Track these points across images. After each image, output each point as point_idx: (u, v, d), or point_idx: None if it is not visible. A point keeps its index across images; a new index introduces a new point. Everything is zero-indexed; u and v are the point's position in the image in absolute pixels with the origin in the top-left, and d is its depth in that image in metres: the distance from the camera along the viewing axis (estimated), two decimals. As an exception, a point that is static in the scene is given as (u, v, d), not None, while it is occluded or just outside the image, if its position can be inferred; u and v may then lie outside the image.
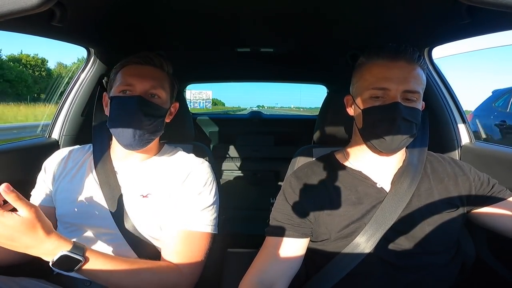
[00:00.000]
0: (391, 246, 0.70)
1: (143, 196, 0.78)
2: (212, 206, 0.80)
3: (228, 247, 0.92)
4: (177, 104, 0.90)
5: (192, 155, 0.88)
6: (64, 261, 0.59)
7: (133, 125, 0.75)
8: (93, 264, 0.62)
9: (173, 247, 0.74)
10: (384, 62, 0.71)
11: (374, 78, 0.71)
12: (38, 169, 0.88)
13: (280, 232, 0.74)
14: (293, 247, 0.74)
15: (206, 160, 0.89)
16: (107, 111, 0.82)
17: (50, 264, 0.59)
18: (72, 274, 0.66)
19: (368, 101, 0.72)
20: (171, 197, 0.79)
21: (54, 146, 1.15)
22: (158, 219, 0.78)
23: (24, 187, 0.90)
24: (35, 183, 0.87)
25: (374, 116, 0.71)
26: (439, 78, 1.15)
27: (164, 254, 0.75)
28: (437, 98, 1.12)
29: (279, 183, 2.17)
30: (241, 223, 1.78)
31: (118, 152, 0.84)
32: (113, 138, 0.83)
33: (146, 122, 0.76)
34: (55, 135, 1.17)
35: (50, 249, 0.58)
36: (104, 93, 0.86)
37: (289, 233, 0.73)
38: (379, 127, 0.71)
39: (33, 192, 0.86)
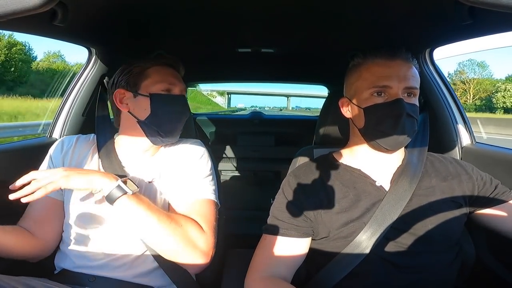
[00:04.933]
0: (393, 245, 0.70)
1: (149, 182, 0.83)
2: (211, 176, 0.87)
3: (229, 247, 0.92)
4: None
5: (187, 139, 0.94)
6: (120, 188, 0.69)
7: (181, 119, 0.87)
8: (139, 198, 0.72)
9: (186, 214, 0.79)
10: (382, 61, 0.73)
11: (374, 76, 0.72)
12: (39, 169, 0.88)
13: (281, 231, 0.74)
14: (294, 247, 0.74)
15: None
16: (123, 107, 0.85)
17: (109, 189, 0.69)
18: (79, 269, 0.76)
19: (369, 99, 0.73)
20: (173, 177, 0.84)
21: None
22: (163, 200, 0.83)
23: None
24: None
25: (378, 114, 0.72)
26: (440, 79, 1.14)
27: None
28: (438, 98, 1.12)
29: (280, 183, 2.16)
30: (242, 223, 1.78)
31: (123, 144, 0.88)
32: (122, 132, 0.88)
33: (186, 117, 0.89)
34: (56, 135, 1.17)
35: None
36: (119, 90, 0.85)
37: (291, 232, 0.73)
38: (383, 124, 0.71)
39: None
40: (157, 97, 0.83)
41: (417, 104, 0.74)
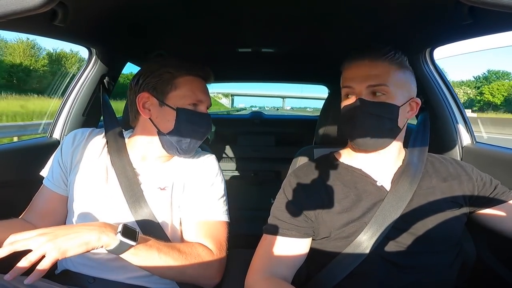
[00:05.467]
0: (394, 245, 0.70)
1: (161, 189, 0.82)
2: (225, 196, 0.87)
3: (229, 247, 0.92)
4: None
5: (199, 150, 0.93)
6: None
7: (202, 139, 0.85)
8: (146, 244, 0.67)
9: (196, 237, 0.79)
10: (351, 63, 0.75)
11: (343, 78, 0.76)
12: (39, 169, 0.88)
13: (282, 231, 0.74)
14: (295, 247, 0.74)
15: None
16: (145, 113, 0.81)
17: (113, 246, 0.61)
18: (79, 269, 0.75)
19: (344, 102, 0.77)
20: (185, 189, 0.83)
21: (55, 146, 1.15)
22: (174, 210, 0.82)
23: (25, 187, 0.90)
24: (36, 183, 0.86)
25: (344, 115, 0.75)
26: (440, 78, 1.14)
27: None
28: (438, 98, 1.12)
29: (280, 183, 2.15)
30: (242, 224, 1.77)
31: (136, 146, 0.85)
32: (138, 134, 0.85)
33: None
34: (56, 135, 1.17)
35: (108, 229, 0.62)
36: (144, 93, 0.81)
37: (291, 232, 0.73)
38: (348, 125, 0.74)
39: (46, 175, 0.85)
40: (184, 112, 0.80)
41: (390, 102, 0.70)
